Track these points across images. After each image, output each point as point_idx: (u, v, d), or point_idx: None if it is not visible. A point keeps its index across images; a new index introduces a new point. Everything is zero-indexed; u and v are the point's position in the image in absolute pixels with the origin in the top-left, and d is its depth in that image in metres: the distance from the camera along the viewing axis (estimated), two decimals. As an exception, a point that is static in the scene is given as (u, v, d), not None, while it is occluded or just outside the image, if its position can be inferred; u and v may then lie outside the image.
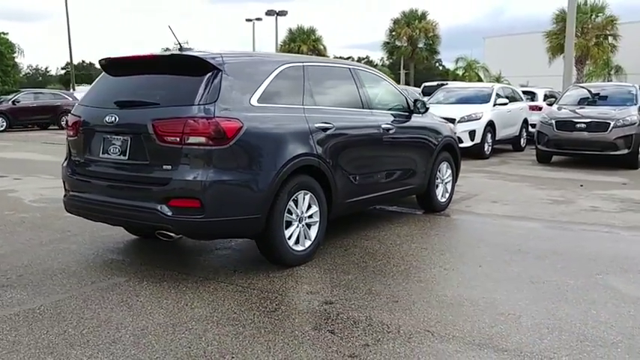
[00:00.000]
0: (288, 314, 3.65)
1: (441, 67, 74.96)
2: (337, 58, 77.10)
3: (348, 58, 78.62)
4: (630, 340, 3.26)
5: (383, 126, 5.72)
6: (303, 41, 44.70)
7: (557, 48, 32.38)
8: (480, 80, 41.53)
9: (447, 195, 7.04)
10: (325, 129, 4.86)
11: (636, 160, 10.91)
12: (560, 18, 32.55)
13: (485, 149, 12.81)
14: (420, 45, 39.31)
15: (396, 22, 39.57)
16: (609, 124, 10.70)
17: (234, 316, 3.63)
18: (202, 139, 3.99)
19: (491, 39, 59.11)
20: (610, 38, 31.55)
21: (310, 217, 4.75)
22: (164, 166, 4.06)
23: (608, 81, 33.16)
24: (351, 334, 3.36)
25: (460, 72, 44.84)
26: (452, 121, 11.14)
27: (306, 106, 4.83)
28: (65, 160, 4.84)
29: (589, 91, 12.62)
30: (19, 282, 4.27)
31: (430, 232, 5.93)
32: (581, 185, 8.94)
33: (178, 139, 4.00)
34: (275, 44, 42.42)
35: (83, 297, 3.96)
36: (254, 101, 4.36)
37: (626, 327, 3.45)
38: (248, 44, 46.28)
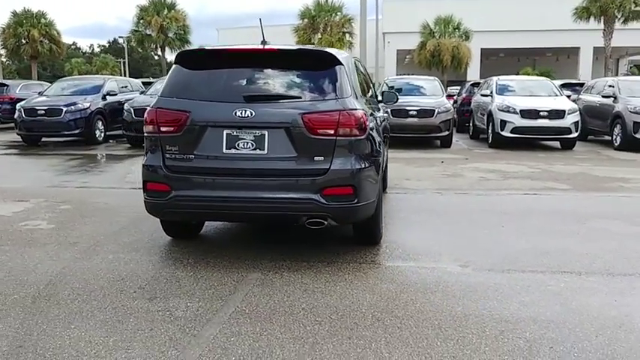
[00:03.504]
0: (463, 279, 4.28)
1: (156, 57, 74.95)
2: (73, 44, 69.44)
3: (72, 44, 72.47)
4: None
5: (384, 114, 6.46)
6: (32, 25, 39.96)
7: (305, 42, 35.48)
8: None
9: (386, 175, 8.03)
10: (377, 117, 5.43)
11: (451, 140, 13.44)
12: (307, 14, 35.80)
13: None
14: (171, 34, 38.80)
15: (143, 9, 38.28)
16: (434, 110, 12.93)
17: (430, 287, 4.11)
18: (349, 130, 4.28)
19: (224, 30, 61.23)
20: (347, 35, 35.84)
21: (378, 198, 5.28)
22: (315, 158, 4.21)
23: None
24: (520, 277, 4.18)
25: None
26: None
27: (365, 97, 5.33)
28: (153, 159, 4.44)
29: (388, 86, 14.88)
30: (160, 292, 3.96)
31: (414, 206, 6.87)
32: (442, 162, 10.82)
33: (332, 131, 4.21)
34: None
35: (260, 293, 3.92)
36: (359, 93, 4.75)
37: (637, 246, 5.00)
38: None
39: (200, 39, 69.48)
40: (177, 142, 4.33)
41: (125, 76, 49.98)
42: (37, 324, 3.43)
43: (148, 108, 4.55)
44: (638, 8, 30.81)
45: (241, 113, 4.19)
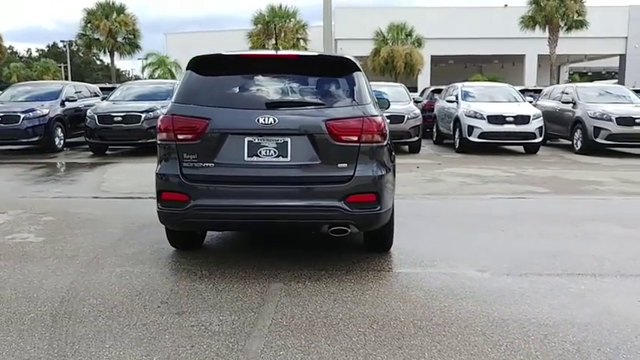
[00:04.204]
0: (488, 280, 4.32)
1: (99, 62, 73.41)
2: (9, 48, 66.29)
3: (9, 47, 69.36)
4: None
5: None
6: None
7: (260, 48, 35.29)
8: (172, 77, 42.22)
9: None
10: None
11: (420, 146, 13.62)
12: (260, 20, 35.61)
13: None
14: (120, 39, 37.75)
15: (90, 13, 37.08)
16: (404, 116, 13.06)
17: (459, 292, 4.12)
18: (371, 137, 4.25)
19: (172, 35, 60.19)
20: (302, 41, 35.87)
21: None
22: (339, 165, 4.17)
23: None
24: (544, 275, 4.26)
25: (149, 69, 44.63)
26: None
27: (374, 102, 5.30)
28: (168, 167, 4.27)
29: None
30: (186, 306, 3.81)
31: (407, 212, 6.89)
32: (418, 167, 10.94)
33: (356, 137, 4.17)
34: None
35: (291, 303, 3.83)
36: (374, 99, 4.73)
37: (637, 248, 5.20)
38: None
39: (145, 44, 67.17)
40: (196, 149, 4.18)
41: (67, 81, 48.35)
42: (68, 344, 3.23)
43: (161, 115, 4.37)
44: (580, 18, 32.24)
45: (264, 120, 4.09)
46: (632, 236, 5.72)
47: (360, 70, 4.47)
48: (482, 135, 12.90)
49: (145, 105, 13.09)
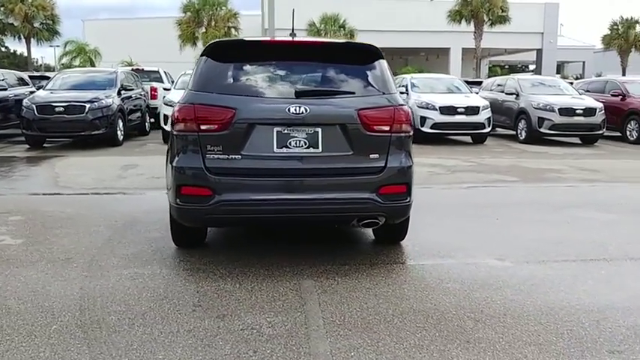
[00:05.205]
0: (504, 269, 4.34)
1: (4, 49, 68.93)
2: None
3: None
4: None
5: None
6: None
7: (189, 37, 34.26)
8: (92, 65, 40.37)
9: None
10: None
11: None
12: (190, 7, 34.54)
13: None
14: (37, 24, 35.41)
15: (2, -5, 34.57)
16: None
17: (483, 281, 4.11)
18: (400, 127, 4.17)
19: (91, 22, 57.38)
20: (233, 30, 35.12)
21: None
22: (371, 156, 4.05)
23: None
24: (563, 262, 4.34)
25: (67, 58, 42.54)
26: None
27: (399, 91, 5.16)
28: (188, 160, 3.96)
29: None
30: (224, 309, 3.57)
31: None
32: (380, 157, 10.95)
33: (387, 128, 4.06)
34: None
35: (332, 301, 3.68)
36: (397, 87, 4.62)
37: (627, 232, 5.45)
38: None
39: (61, 30, 62.46)
40: (221, 141, 3.91)
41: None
42: (114, 357, 2.93)
43: (179, 104, 4.05)
44: (503, 14, 33.60)
45: (295, 110, 3.89)
46: (617, 221, 5.96)
47: (383, 58, 4.35)
48: (434, 126, 13.11)
49: (89, 95, 12.31)
